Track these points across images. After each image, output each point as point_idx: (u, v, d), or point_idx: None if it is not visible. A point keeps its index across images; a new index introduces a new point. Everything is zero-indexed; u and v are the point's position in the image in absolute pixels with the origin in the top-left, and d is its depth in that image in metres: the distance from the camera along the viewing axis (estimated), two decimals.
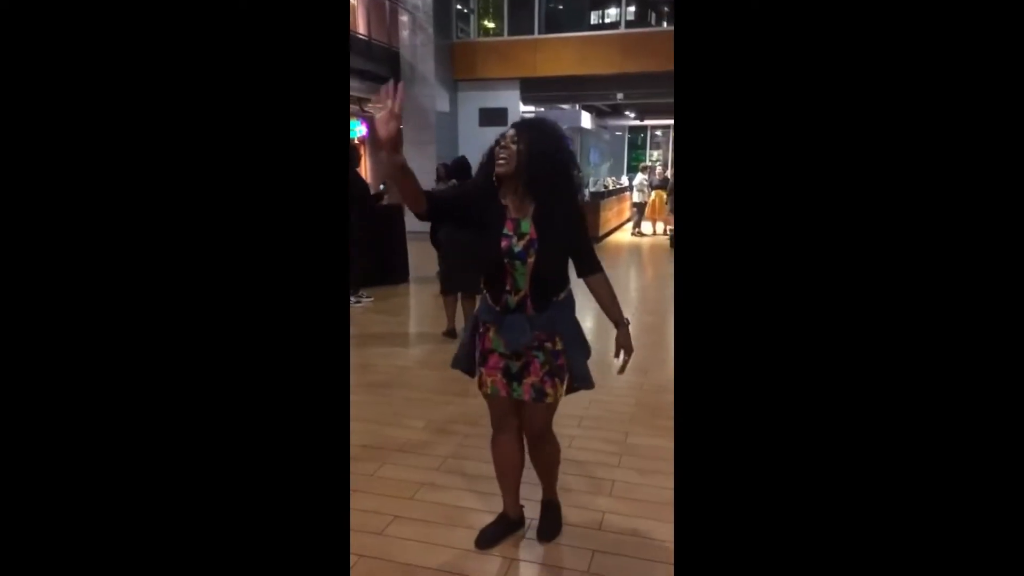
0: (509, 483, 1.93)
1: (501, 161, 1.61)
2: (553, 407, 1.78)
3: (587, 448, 2.61)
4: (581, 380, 1.76)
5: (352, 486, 2.28)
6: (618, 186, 12.61)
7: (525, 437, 1.86)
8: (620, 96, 11.13)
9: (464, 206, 1.73)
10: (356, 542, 1.93)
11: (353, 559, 1.85)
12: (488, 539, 1.92)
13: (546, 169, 1.62)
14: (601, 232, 9.77)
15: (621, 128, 17.08)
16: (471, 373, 1.85)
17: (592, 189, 10.80)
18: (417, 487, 2.29)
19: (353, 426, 2.84)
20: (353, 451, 2.58)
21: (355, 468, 2.43)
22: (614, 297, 1.78)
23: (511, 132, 1.65)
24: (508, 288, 1.67)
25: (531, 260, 1.63)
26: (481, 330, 1.77)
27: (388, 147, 1.39)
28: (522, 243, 1.64)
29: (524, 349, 1.69)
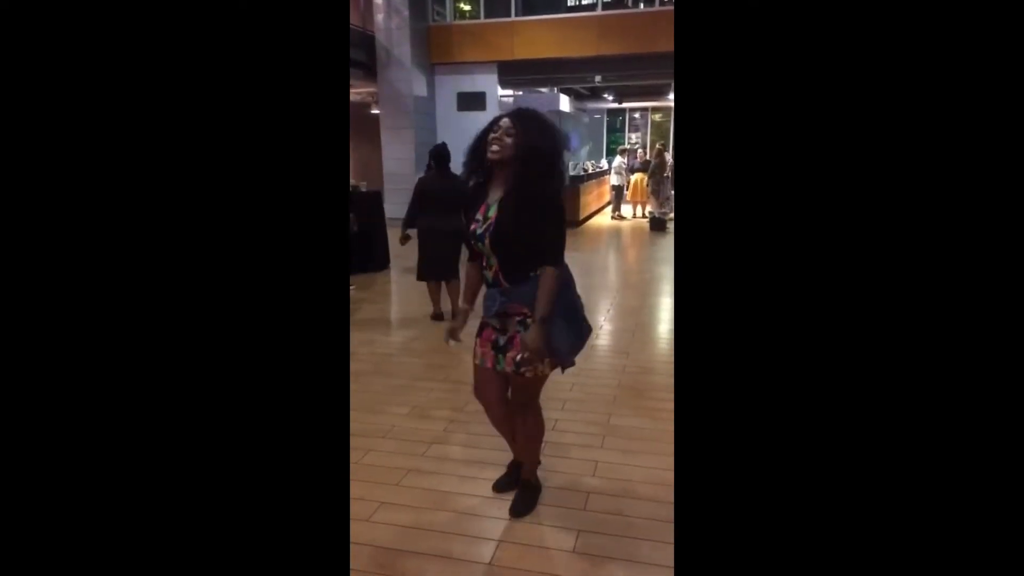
0: (511, 437, 2.06)
1: (494, 148, 1.69)
2: (536, 381, 1.85)
3: (570, 430, 2.64)
4: (557, 354, 1.77)
5: None
6: (597, 169, 12.61)
7: (512, 408, 1.94)
8: (598, 79, 11.10)
9: (466, 207, 1.86)
10: None
11: None
12: (502, 486, 2.13)
13: (534, 164, 1.69)
14: (581, 216, 9.78)
15: (600, 111, 17.05)
16: None
17: (572, 173, 10.78)
18: (403, 473, 2.30)
19: None
20: None
21: None
22: (550, 294, 1.71)
23: (507, 122, 1.71)
24: (484, 265, 1.82)
25: (487, 240, 1.74)
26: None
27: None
28: (484, 225, 1.76)
29: (508, 321, 1.78)
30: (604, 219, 10.70)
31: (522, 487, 2.09)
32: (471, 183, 1.84)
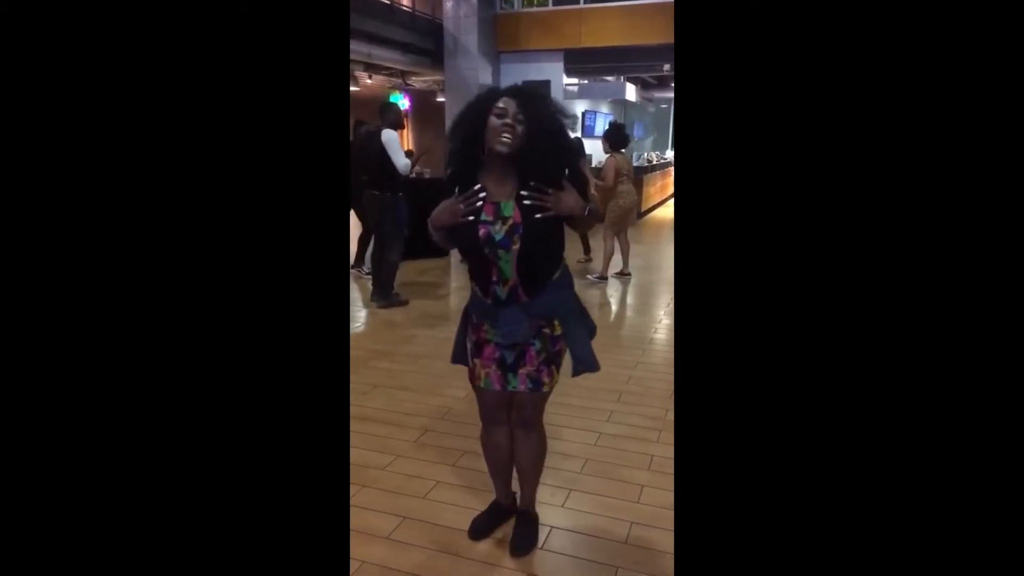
0: (503, 475, 1.87)
1: (505, 139, 1.44)
2: (544, 397, 1.67)
3: (626, 423, 2.63)
4: (585, 364, 1.61)
5: (396, 452, 2.37)
6: (662, 160, 12.36)
7: (514, 426, 1.75)
8: (667, 67, 10.83)
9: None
10: (400, 505, 2.01)
11: (397, 520, 1.93)
12: (480, 529, 1.86)
13: (545, 150, 1.46)
14: (643, 208, 9.63)
15: (667, 101, 16.65)
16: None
17: (636, 164, 10.60)
18: (459, 454, 2.35)
19: (396, 394, 2.93)
20: (396, 418, 2.67)
21: (398, 434, 2.52)
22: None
23: (513, 107, 1.45)
24: (495, 279, 1.52)
25: (515, 247, 1.47)
26: (475, 322, 1.64)
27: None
28: (504, 228, 1.47)
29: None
30: (667, 211, 10.49)
31: (521, 519, 1.86)
32: (449, 173, 1.56)
